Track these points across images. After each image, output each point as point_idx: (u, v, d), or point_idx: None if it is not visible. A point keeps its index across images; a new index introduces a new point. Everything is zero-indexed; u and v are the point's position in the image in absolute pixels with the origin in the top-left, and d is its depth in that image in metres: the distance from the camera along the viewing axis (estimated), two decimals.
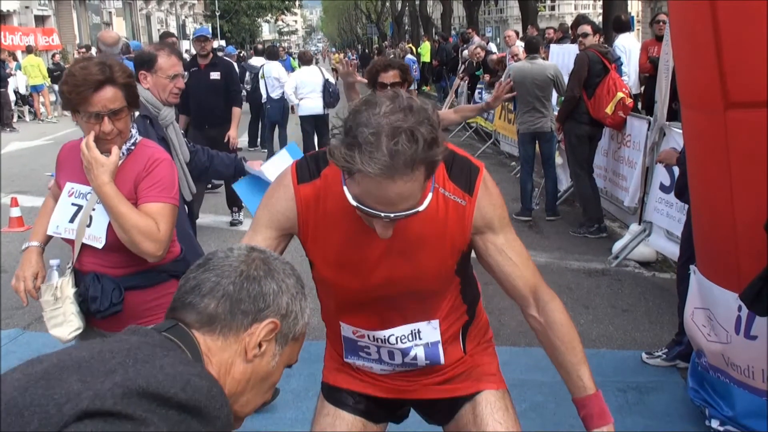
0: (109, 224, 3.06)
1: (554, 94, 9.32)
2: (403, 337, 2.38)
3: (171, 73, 4.37)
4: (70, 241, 3.19)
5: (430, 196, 1.98)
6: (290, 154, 5.10)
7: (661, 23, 10.06)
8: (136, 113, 4.18)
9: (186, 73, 4.63)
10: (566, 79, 8.73)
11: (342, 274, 2.28)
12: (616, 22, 11.84)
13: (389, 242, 2.09)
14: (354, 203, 1.93)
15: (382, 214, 1.90)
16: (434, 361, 2.44)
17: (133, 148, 3.17)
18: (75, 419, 1.18)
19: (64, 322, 3.14)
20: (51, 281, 3.21)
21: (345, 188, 1.94)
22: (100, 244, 3.10)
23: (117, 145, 3.07)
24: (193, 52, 10.30)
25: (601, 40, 11.19)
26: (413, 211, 1.93)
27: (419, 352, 2.41)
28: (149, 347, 1.38)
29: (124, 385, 1.22)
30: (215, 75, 9.19)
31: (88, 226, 3.12)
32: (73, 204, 3.16)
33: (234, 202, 9.34)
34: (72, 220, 3.16)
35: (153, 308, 3.22)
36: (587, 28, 8.63)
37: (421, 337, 2.40)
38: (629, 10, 21.97)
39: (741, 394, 3.88)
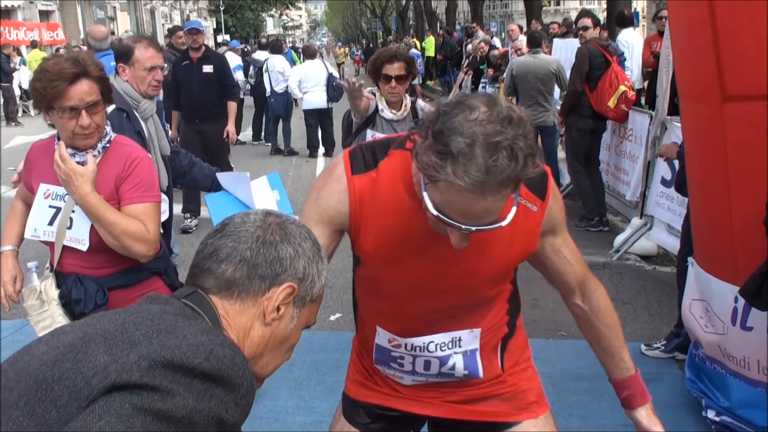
0: (92, 226, 3.03)
1: (557, 89, 9.35)
2: (442, 345, 2.25)
3: (148, 65, 4.32)
4: (50, 244, 3.15)
5: (514, 209, 1.83)
6: (270, 184, 5.15)
7: (663, 19, 10.06)
8: (110, 108, 4.15)
9: (166, 65, 4.59)
10: (568, 74, 8.76)
11: (393, 273, 2.14)
12: (619, 17, 11.85)
13: (449, 243, 1.89)
14: (434, 212, 1.76)
15: (463, 227, 1.76)
16: (473, 372, 2.32)
17: (108, 145, 3.12)
18: (104, 392, 1.22)
19: (53, 324, 3.06)
20: (32, 284, 3.17)
21: (425, 194, 1.77)
22: (84, 247, 3.07)
23: (95, 141, 3.04)
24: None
25: (605, 34, 11.22)
26: (496, 225, 1.79)
27: (458, 361, 2.28)
28: (171, 317, 1.42)
29: (149, 358, 1.26)
30: (208, 68, 9.00)
31: (69, 228, 3.07)
32: (50, 206, 3.10)
33: None
34: (51, 223, 3.10)
35: None
36: (587, 21, 8.64)
37: (461, 345, 2.27)
38: (634, 5, 21.94)
39: (736, 385, 3.92)
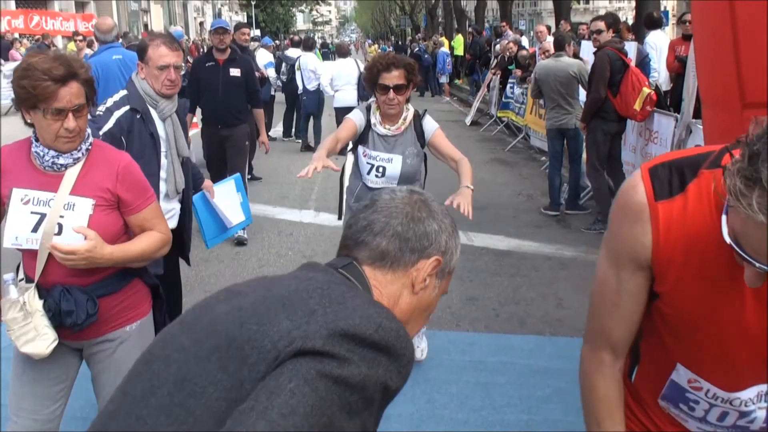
0: None
1: (582, 91, 9.42)
2: (749, 401, 1.92)
3: (159, 64, 4.23)
4: (32, 252, 3.00)
5: None
6: (236, 186, 5.34)
7: (688, 23, 10.15)
8: (122, 110, 4.14)
9: (183, 64, 4.49)
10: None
11: (702, 318, 1.82)
12: (647, 19, 11.93)
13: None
14: (727, 240, 1.54)
15: (757, 265, 1.51)
16: None
17: (90, 147, 3.03)
18: (290, 356, 1.39)
19: (37, 336, 2.96)
20: (10, 296, 3.00)
21: (724, 218, 1.55)
22: None
23: (76, 145, 2.95)
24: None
25: (632, 36, 11.24)
26: None
27: (760, 416, 1.95)
28: (337, 286, 1.58)
29: (328, 327, 1.43)
30: (235, 72, 8.49)
31: (58, 234, 2.93)
32: (33, 212, 2.94)
33: None
34: (35, 230, 2.94)
35: (122, 310, 3.17)
36: (600, 24, 8.72)
37: (766, 399, 1.94)
38: (664, 5, 21.85)
39: None
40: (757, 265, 1.51)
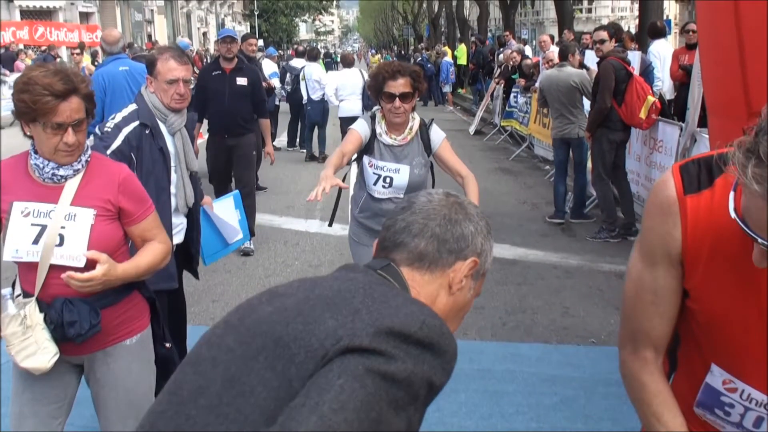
0: (88, 241, 2.94)
1: (586, 101, 9.44)
2: None
3: (168, 78, 4.20)
4: (31, 265, 2.96)
5: None
6: (234, 203, 5.35)
7: (691, 33, 10.21)
8: (131, 126, 4.07)
9: (192, 78, 4.45)
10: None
11: (730, 310, 1.82)
12: (651, 29, 11.97)
13: None
14: (733, 215, 1.58)
15: (759, 240, 1.53)
16: None
17: (89, 159, 3.04)
18: (338, 353, 1.42)
19: (38, 350, 2.91)
20: (8, 311, 2.96)
21: (732, 194, 1.60)
22: (81, 263, 2.92)
23: (75, 159, 2.95)
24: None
25: (635, 46, 11.26)
26: None
27: None
28: (378, 286, 1.61)
29: (374, 325, 1.46)
30: (242, 81, 8.42)
31: (59, 245, 2.91)
32: (33, 224, 2.92)
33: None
34: (36, 242, 2.92)
35: (123, 322, 3.15)
36: (603, 34, 8.76)
37: None
38: (666, 12, 21.87)
39: None
40: (760, 240, 1.53)
